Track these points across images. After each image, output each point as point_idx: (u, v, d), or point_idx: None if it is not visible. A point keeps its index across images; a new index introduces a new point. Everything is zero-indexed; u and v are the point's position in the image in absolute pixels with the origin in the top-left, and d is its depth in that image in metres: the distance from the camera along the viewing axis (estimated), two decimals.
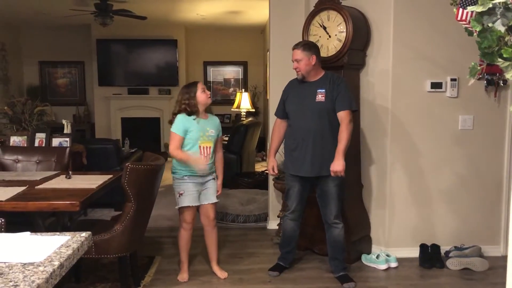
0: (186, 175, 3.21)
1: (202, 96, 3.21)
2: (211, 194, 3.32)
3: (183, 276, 3.36)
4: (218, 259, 3.50)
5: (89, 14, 6.86)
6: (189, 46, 9.47)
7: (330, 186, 3.22)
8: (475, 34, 1.53)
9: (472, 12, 1.47)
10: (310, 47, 3.23)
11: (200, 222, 3.40)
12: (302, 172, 3.25)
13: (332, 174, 3.12)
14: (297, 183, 3.32)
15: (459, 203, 3.78)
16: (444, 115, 3.71)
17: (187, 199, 3.21)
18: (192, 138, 3.18)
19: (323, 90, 3.18)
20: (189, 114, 3.18)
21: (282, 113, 3.41)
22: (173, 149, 3.17)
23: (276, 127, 3.49)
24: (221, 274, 3.42)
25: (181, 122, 3.17)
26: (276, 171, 3.45)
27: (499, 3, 1.35)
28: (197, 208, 3.31)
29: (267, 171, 5.56)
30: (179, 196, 3.23)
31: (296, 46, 3.24)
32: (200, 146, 3.20)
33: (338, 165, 3.09)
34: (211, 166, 3.29)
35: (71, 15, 7.11)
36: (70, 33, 9.01)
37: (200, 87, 3.24)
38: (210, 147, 3.24)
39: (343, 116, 3.14)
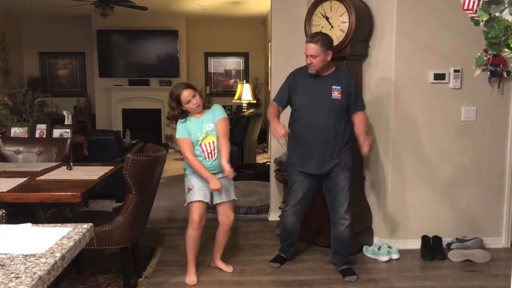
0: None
1: (187, 107, 3.08)
2: (226, 191, 3.17)
3: (192, 278, 3.19)
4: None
5: (90, 4, 6.82)
6: (190, 37, 9.43)
7: (341, 179, 3.16)
8: (481, 23, 1.51)
9: (479, 1, 1.44)
10: (327, 42, 3.06)
11: (209, 221, 3.31)
12: (313, 169, 3.15)
13: (364, 147, 2.97)
14: (305, 179, 3.22)
15: (461, 194, 3.77)
16: (447, 107, 3.68)
17: (196, 194, 3.10)
18: (192, 140, 3.09)
19: (339, 87, 3.09)
20: (182, 118, 3.12)
21: (284, 102, 3.26)
22: (189, 156, 3.06)
23: (272, 109, 3.24)
24: (228, 268, 3.38)
25: (182, 126, 3.10)
26: (287, 129, 3.08)
27: None
28: (207, 207, 3.18)
29: (268, 163, 5.56)
30: (189, 191, 3.13)
31: (311, 40, 3.06)
32: (201, 145, 3.10)
33: (363, 141, 2.99)
34: (219, 163, 3.12)
35: (71, 6, 7.07)
36: (71, 23, 8.97)
37: (183, 100, 3.04)
38: (213, 142, 3.12)
39: (363, 116, 3.18)
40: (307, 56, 3.08)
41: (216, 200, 3.19)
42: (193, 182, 3.13)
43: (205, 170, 3.06)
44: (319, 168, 3.15)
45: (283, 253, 3.50)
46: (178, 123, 3.13)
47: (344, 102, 3.11)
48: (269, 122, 3.28)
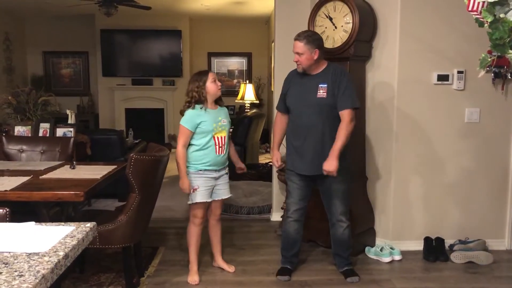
0: (201, 169, 3.10)
1: (211, 87, 3.11)
2: (223, 190, 3.23)
3: (194, 278, 3.19)
4: (221, 251, 3.45)
5: (93, 3, 6.84)
6: (194, 36, 9.44)
7: (334, 182, 3.11)
8: (486, 25, 1.51)
9: (484, 2, 1.44)
10: (313, 39, 3.01)
11: (207, 221, 3.34)
12: (303, 170, 3.12)
13: (324, 173, 2.98)
14: (300, 180, 3.17)
15: (464, 196, 3.76)
16: (450, 108, 3.68)
17: (201, 195, 3.10)
18: (206, 130, 3.07)
19: (325, 85, 3.02)
20: (197, 102, 3.10)
21: (283, 107, 3.24)
22: (181, 146, 3.06)
23: (277, 120, 3.33)
24: (229, 268, 3.38)
25: (191, 116, 3.07)
26: (280, 163, 3.35)
27: None
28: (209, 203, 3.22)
29: (271, 163, 5.57)
30: (193, 191, 3.12)
31: (298, 38, 3.03)
32: (214, 137, 3.10)
33: (330, 165, 2.94)
34: (225, 159, 3.20)
35: (75, 5, 7.09)
36: (74, 23, 9.00)
37: (210, 77, 3.12)
38: (224, 137, 3.14)
39: (344, 114, 2.99)
40: (294, 53, 3.06)
41: (215, 197, 3.22)
42: (197, 182, 3.11)
43: (184, 167, 3.07)
44: (309, 169, 3.10)
45: (289, 265, 3.33)
46: (189, 111, 3.09)
47: (331, 100, 3.01)
48: (273, 124, 3.32)
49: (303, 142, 3.09)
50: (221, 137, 3.13)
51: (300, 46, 3.00)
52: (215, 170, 3.15)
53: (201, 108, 3.10)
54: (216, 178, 3.18)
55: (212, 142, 3.10)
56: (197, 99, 3.09)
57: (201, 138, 3.09)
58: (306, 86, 3.10)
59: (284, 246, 3.35)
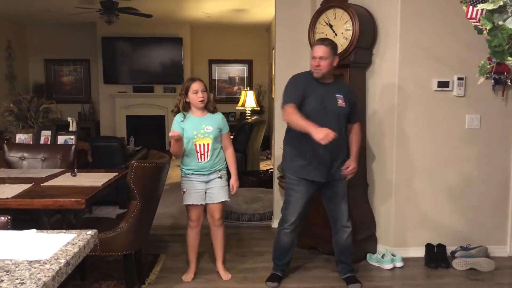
0: (189, 173, 3.19)
1: (192, 98, 3.14)
2: (216, 193, 3.23)
3: (188, 276, 3.33)
4: (223, 258, 3.46)
5: (95, 12, 6.87)
6: (194, 44, 9.48)
7: (341, 187, 3.18)
8: (485, 32, 1.51)
9: (482, 10, 1.45)
10: (335, 47, 3.11)
11: (207, 221, 3.38)
12: (320, 177, 3.10)
13: (345, 171, 3.12)
14: (306, 188, 3.13)
15: (465, 203, 3.75)
16: (450, 114, 3.68)
17: (190, 198, 3.20)
18: (186, 137, 3.13)
19: (341, 96, 3.11)
20: (182, 109, 3.19)
21: (299, 101, 3.01)
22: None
23: (296, 111, 2.97)
24: (225, 275, 3.38)
25: (176, 122, 3.19)
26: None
27: (510, 0, 1.33)
28: (204, 207, 3.28)
29: (271, 170, 5.57)
30: (183, 194, 3.23)
31: (322, 43, 3.06)
32: (196, 144, 3.14)
33: (354, 166, 3.15)
34: (212, 164, 3.19)
35: (77, 13, 7.12)
36: (76, 30, 9.04)
37: (193, 87, 3.12)
38: (208, 144, 3.14)
39: (358, 126, 3.26)
40: (315, 58, 3.03)
41: (208, 200, 3.26)
42: (186, 185, 3.22)
43: (177, 142, 3.08)
44: (326, 175, 3.11)
45: (280, 272, 3.33)
46: (175, 118, 3.21)
47: (348, 110, 3.14)
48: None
49: (321, 149, 3.02)
50: (203, 144, 3.15)
51: (326, 50, 3.02)
52: (204, 174, 3.20)
53: (184, 116, 3.17)
54: (206, 182, 3.22)
55: (193, 149, 3.15)
56: (179, 105, 3.19)
57: (185, 144, 3.16)
58: (324, 93, 3.09)
59: (276, 255, 3.34)
